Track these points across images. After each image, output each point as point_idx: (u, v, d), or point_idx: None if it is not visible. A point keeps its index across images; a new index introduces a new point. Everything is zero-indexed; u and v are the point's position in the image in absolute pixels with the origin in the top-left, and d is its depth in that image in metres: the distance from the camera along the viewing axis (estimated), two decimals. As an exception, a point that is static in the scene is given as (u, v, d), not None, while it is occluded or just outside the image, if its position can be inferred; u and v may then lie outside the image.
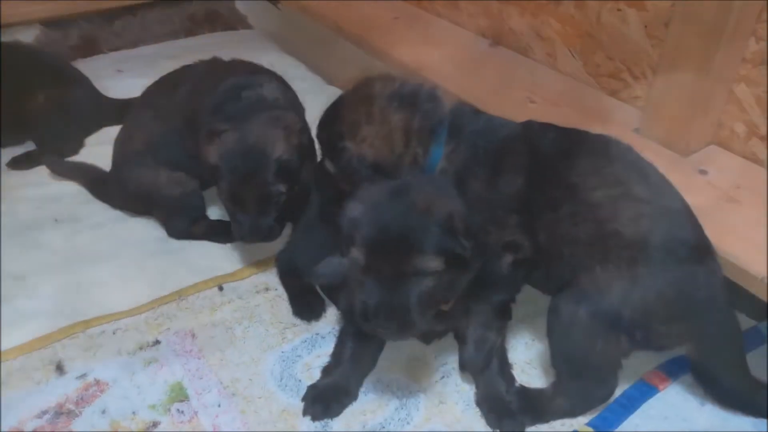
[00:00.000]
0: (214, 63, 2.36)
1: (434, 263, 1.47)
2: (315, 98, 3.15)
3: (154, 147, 2.25)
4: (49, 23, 3.44)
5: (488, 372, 1.77)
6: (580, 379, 1.66)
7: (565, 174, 1.61)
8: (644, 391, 1.76)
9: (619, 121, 2.14)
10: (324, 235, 1.96)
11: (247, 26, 3.98)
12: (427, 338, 1.90)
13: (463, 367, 1.82)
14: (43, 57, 2.88)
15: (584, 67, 2.34)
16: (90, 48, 3.56)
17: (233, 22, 3.91)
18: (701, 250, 1.56)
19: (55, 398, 1.72)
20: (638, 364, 1.76)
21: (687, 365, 1.76)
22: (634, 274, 1.51)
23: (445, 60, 2.58)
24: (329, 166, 1.83)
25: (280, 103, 2.11)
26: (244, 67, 2.31)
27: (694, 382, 1.73)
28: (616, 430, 1.67)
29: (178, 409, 1.72)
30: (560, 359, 1.67)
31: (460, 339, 1.84)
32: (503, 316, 1.79)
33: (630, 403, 1.73)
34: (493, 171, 1.67)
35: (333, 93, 3.24)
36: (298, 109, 2.25)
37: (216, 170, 1.95)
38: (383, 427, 1.70)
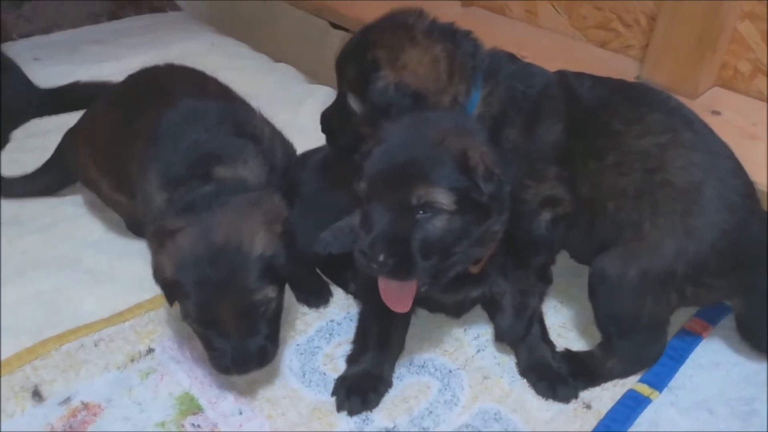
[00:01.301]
0: (180, 80, 1.80)
1: (442, 198, 1.31)
2: (265, 77, 2.95)
3: (103, 153, 1.83)
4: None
5: (530, 339, 1.64)
6: (631, 339, 1.56)
7: (607, 121, 1.51)
8: (689, 340, 1.70)
9: (616, 71, 2.06)
10: (331, 202, 1.75)
11: (176, 8, 3.64)
12: (456, 311, 1.75)
13: (500, 337, 1.68)
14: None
15: (569, 20, 2.26)
16: (-5, 35, 3.11)
17: (160, 4, 3.56)
18: (751, 196, 1.50)
19: (36, 430, 1.42)
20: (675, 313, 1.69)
21: (723, 310, 1.72)
22: (688, 227, 1.42)
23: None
24: (354, 103, 1.62)
25: (262, 183, 1.57)
26: (219, 99, 1.71)
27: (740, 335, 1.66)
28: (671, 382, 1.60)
29: (193, 423, 1.47)
30: (608, 321, 1.57)
31: (492, 308, 1.70)
32: (544, 281, 1.66)
33: (678, 355, 1.66)
34: (531, 117, 1.54)
35: (284, 70, 3.06)
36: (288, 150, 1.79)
37: (174, 287, 1.40)
38: (430, 413, 1.54)
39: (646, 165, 1.46)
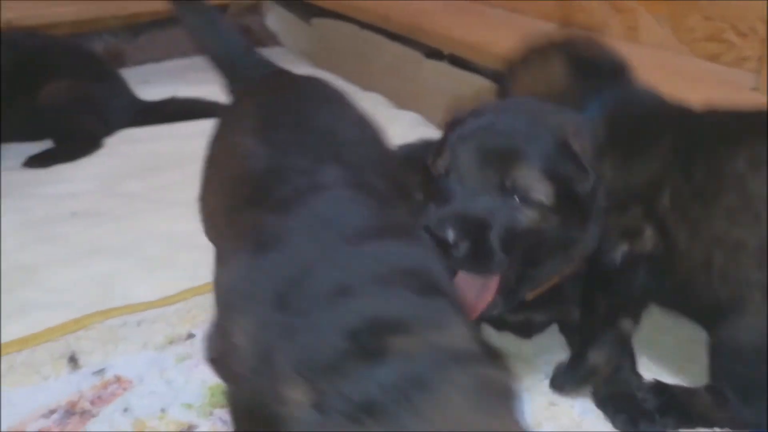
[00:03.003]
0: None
1: (539, 185, 1.13)
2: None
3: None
4: (74, 35, 3.26)
5: (617, 368, 1.39)
6: (756, 406, 1.25)
7: (727, 159, 1.24)
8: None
9: (730, 87, 1.85)
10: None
11: (278, 44, 3.80)
12: (524, 331, 1.54)
13: (553, 383, 1.44)
14: (62, 44, 2.66)
15: (674, 34, 2.08)
16: (114, 62, 3.35)
17: (264, 39, 3.73)
18: None
19: (66, 396, 1.37)
20: None
21: None
22: None
23: (514, 43, 2.34)
24: None
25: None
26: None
27: None
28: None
29: (221, 418, 1.35)
30: (728, 386, 1.28)
31: (571, 336, 1.48)
32: (613, 333, 1.36)
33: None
34: (626, 148, 1.33)
35: (373, 97, 3.06)
36: None
37: None
38: (484, 435, 1.32)
39: None
